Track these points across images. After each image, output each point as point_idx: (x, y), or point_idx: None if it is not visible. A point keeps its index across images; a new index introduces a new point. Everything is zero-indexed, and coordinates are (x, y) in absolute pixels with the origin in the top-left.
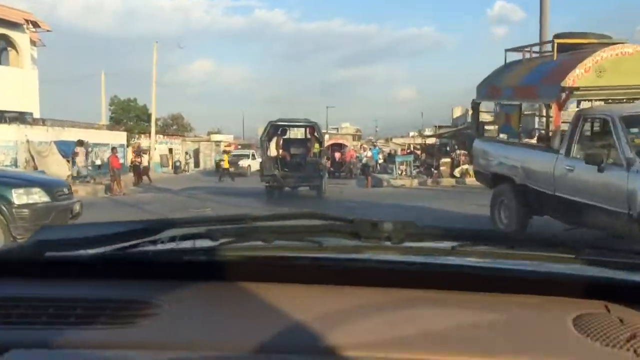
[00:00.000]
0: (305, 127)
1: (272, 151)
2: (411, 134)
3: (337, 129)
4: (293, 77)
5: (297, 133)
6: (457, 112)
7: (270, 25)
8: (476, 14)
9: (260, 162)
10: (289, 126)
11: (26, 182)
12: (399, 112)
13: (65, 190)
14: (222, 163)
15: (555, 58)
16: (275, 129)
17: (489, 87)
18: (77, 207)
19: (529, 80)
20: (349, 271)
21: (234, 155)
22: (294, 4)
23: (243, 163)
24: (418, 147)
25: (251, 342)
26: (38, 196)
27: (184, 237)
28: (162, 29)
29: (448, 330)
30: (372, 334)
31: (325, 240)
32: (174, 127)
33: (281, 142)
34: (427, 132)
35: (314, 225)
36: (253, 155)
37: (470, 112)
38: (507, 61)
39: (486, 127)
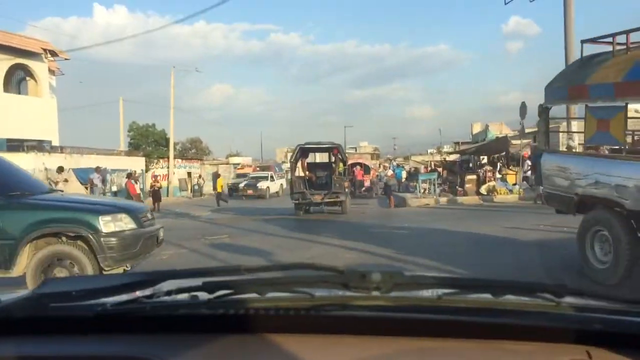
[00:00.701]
0: (330, 149)
1: (300, 172)
2: (429, 151)
3: (356, 148)
4: (310, 98)
5: (323, 154)
6: (477, 128)
7: (286, 48)
8: (491, 29)
9: (290, 181)
10: (316, 149)
11: (112, 208)
12: (417, 129)
13: (149, 216)
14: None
15: None
16: (303, 152)
17: (569, 88)
18: (161, 234)
19: None
20: (340, 321)
21: (252, 177)
22: (310, 27)
23: (262, 185)
24: (439, 164)
25: None
26: (124, 223)
27: (181, 290)
28: (180, 55)
29: None
30: None
31: (317, 291)
32: (193, 150)
33: (306, 163)
34: (446, 149)
35: (305, 277)
36: (272, 177)
37: (497, 130)
38: (584, 55)
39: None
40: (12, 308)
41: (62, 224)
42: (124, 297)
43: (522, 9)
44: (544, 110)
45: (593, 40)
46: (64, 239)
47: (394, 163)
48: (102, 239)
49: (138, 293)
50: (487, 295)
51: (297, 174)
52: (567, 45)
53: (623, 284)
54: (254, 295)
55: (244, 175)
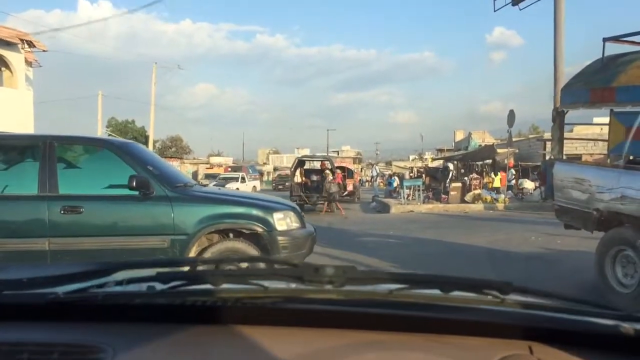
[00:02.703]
0: (321, 160)
1: (298, 178)
2: (411, 157)
3: (338, 152)
4: (293, 100)
5: (316, 163)
6: (460, 136)
7: (271, 50)
8: (475, 38)
9: (290, 186)
10: (311, 160)
11: (282, 206)
12: (399, 135)
13: (303, 214)
14: None
15: None
16: (300, 163)
17: (591, 90)
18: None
19: None
20: (293, 313)
21: (222, 179)
22: (296, 29)
23: (230, 187)
24: (422, 170)
25: None
26: (292, 221)
27: (134, 280)
28: (164, 52)
29: None
30: None
31: (271, 284)
32: (173, 149)
33: (303, 171)
34: (427, 155)
35: (260, 270)
36: (243, 178)
37: (480, 138)
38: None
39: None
40: None
41: (237, 220)
42: (77, 285)
43: (509, 19)
44: (559, 115)
45: (617, 39)
46: (231, 235)
47: (376, 168)
48: (277, 237)
49: (92, 282)
50: (436, 291)
51: (295, 179)
52: (556, 51)
53: None
54: (208, 286)
55: (213, 176)
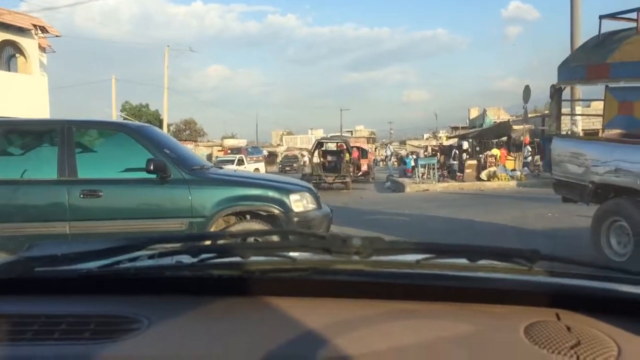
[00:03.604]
0: (338, 142)
1: (316, 159)
2: (425, 136)
3: (352, 131)
4: (306, 81)
5: (332, 146)
6: (474, 113)
7: (283, 30)
8: (490, 14)
9: (310, 166)
10: (329, 142)
11: (298, 187)
12: (413, 114)
13: (318, 195)
14: None
15: None
16: (319, 144)
17: (587, 66)
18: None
19: None
20: (321, 284)
21: (219, 161)
22: (308, 8)
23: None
24: (437, 148)
25: (232, 356)
26: (308, 202)
27: (165, 254)
28: (176, 35)
29: (410, 343)
30: (339, 347)
31: (299, 255)
32: (187, 132)
33: (322, 152)
34: (442, 133)
35: (288, 241)
36: (241, 160)
37: (495, 115)
38: (602, 32)
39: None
40: None
41: (253, 202)
42: (110, 260)
43: None
44: (557, 91)
45: (613, 16)
46: (248, 217)
47: (390, 147)
48: (294, 218)
49: (123, 256)
50: (463, 260)
51: (314, 160)
52: (573, 24)
53: None
54: (237, 259)
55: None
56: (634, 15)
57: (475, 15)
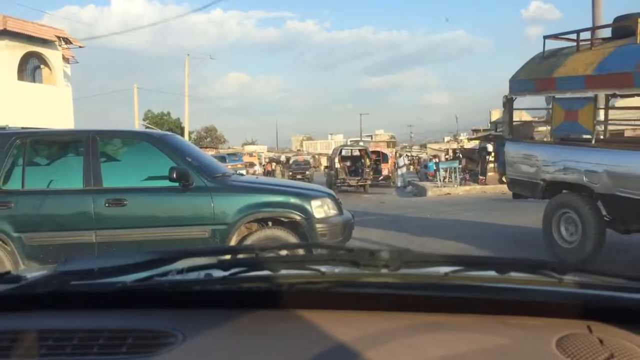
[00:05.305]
0: (359, 149)
1: (337, 164)
2: (446, 139)
3: (371, 136)
4: (326, 86)
5: (354, 152)
6: (496, 115)
7: (302, 36)
8: (510, 14)
9: (335, 170)
10: (350, 148)
11: (319, 193)
12: (433, 117)
13: (340, 200)
14: None
15: (638, 41)
16: (340, 151)
17: (535, 80)
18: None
19: (613, 66)
20: (350, 297)
21: None
22: (326, 13)
23: None
24: (458, 151)
25: None
26: (330, 208)
27: (196, 268)
28: (196, 43)
29: (440, 355)
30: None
31: (328, 269)
32: (208, 139)
33: (341, 158)
34: (463, 136)
35: (317, 255)
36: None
37: (517, 116)
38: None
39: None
40: (35, 284)
41: (275, 208)
42: (143, 274)
43: None
44: (508, 101)
45: (557, 37)
46: (269, 223)
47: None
48: (315, 225)
49: (157, 270)
50: (492, 272)
51: (336, 165)
52: (594, 23)
53: (591, 262)
54: (267, 272)
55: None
56: (574, 35)
57: (496, 16)
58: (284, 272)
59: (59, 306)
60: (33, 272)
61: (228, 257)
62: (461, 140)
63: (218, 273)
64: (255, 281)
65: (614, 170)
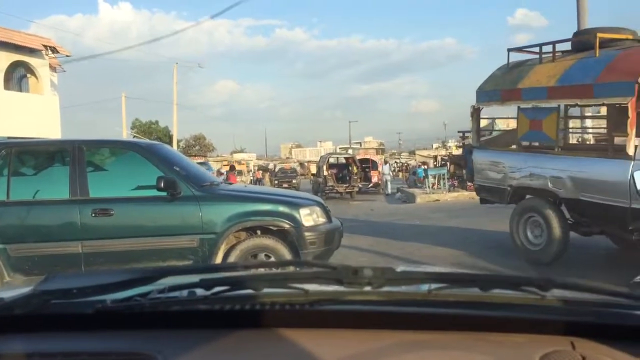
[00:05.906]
0: (345, 157)
1: (324, 171)
2: (434, 145)
3: (360, 143)
4: (315, 93)
5: (342, 159)
6: (483, 122)
7: (291, 44)
8: (497, 22)
9: (323, 178)
10: (337, 156)
11: (308, 201)
12: (422, 124)
13: (328, 208)
14: None
15: (597, 55)
16: (328, 159)
17: (501, 91)
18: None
19: (574, 78)
20: (334, 315)
21: None
22: (315, 22)
23: None
24: (446, 158)
25: None
26: (318, 216)
27: (178, 287)
28: (185, 51)
29: None
30: None
31: (311, 287)
32: (196, 147)
33: (329, 165)
34: (451, 143)
35: (300, 273)
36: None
37: (504, 124)
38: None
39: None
40: (14, 305)
41: (264, 217)
42: (124, 293)
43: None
44: (475, 111)
45: (520, 49)
46: (258, 232)
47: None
48: (304, 233)
49: (138, 290)
50: (475, 289)
51: (324, 173)
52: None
53: (555, 264)
54: (250, 291)
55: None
56: (536, 49)
57: (483, 24)
58: (267, 290)
59: (37, 327)
60: (12, 291)
61: (210, 275)
62: (449, 147)
63: (200, 292)
64: (238, 300)
65: (577, 176)
